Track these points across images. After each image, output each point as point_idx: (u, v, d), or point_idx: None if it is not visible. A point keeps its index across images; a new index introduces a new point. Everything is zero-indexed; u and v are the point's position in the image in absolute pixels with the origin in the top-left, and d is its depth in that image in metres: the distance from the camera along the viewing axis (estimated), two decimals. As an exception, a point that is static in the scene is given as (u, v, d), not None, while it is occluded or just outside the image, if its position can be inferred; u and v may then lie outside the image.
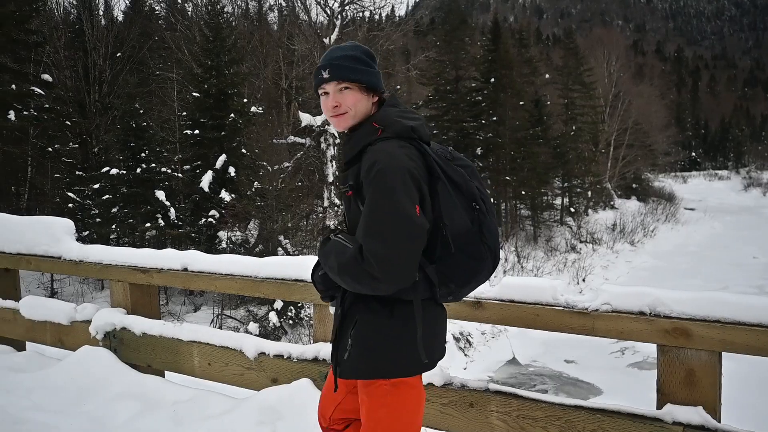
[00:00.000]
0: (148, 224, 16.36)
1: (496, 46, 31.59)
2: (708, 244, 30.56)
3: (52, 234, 4.28)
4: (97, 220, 16.76)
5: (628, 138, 40.46)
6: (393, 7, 54.10)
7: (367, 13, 26.45)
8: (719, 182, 65.84)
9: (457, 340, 16.50)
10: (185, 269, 3.48)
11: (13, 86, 16.83)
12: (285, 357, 3.03)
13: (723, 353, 2.19)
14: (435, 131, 30.63)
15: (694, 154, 79.09)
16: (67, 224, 4.34)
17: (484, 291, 2.51)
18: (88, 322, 3.88)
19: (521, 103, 31.05)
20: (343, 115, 1.88)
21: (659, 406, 2.28)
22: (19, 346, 4.55)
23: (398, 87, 31.83)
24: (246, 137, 18.50)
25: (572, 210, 33.72)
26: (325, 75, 1.88)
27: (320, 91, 1.93)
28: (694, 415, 2.18)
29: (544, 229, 31.13)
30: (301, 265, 3.05)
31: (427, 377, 2.56)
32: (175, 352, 3.45)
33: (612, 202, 38.62)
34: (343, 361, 1.88)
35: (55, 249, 4.22)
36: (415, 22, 30.80)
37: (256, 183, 17.70)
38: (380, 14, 40.87)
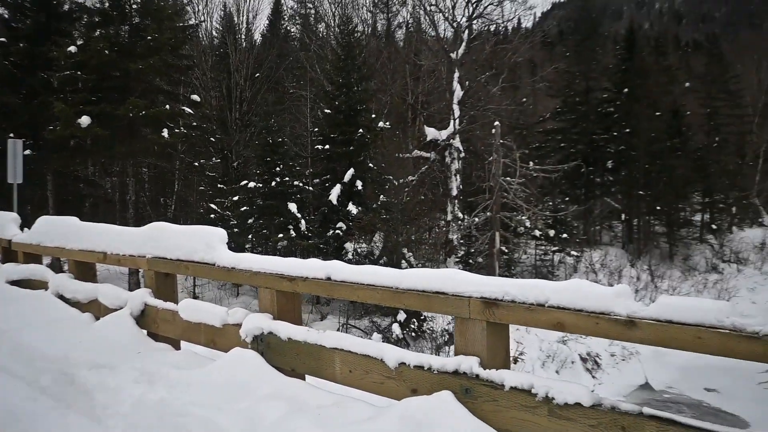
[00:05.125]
0: (280, 235, 17.20)
1: (630, 54, 30.26)
2: None
3: (208, 242, 4.64)
4: (235, 230, 17.86)
5: (780, 149, 37.07)
6: (520, 19, 53.41)
7: (493, 27, 26.27)
8: None
9: (584, 360, 15.80)
10: (329, 278, 3.63)
11: (167, 106, 18.44)
12: (425, 368, 3.05)
13: None
14: (562, 144, 29.74)
15: None
16: (221, 233, 4.67)
17: (637, 310, 2.40)
18: (238, 325, 4.14)
19: (657, 113, 29.38)
20: None
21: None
22: (176, 345, 4.96)
23: (524, 99, 31.27)
24: (373, 152, 18.98)
25: (714, 227, 31.25)
26: None
27: None
28: None
29: (681, 247, 29.15)
30: (442, 278, 3.08)
31: (574, 397, 2.49)
32: (318, 357, 3.60)
33: (760, 219, 35.41)
34: None
35: (209, 256, 4.56)
36: (543, 34, 30.22)
37: (381, 196, 18.07)
38: (507, 27, 40.32)
